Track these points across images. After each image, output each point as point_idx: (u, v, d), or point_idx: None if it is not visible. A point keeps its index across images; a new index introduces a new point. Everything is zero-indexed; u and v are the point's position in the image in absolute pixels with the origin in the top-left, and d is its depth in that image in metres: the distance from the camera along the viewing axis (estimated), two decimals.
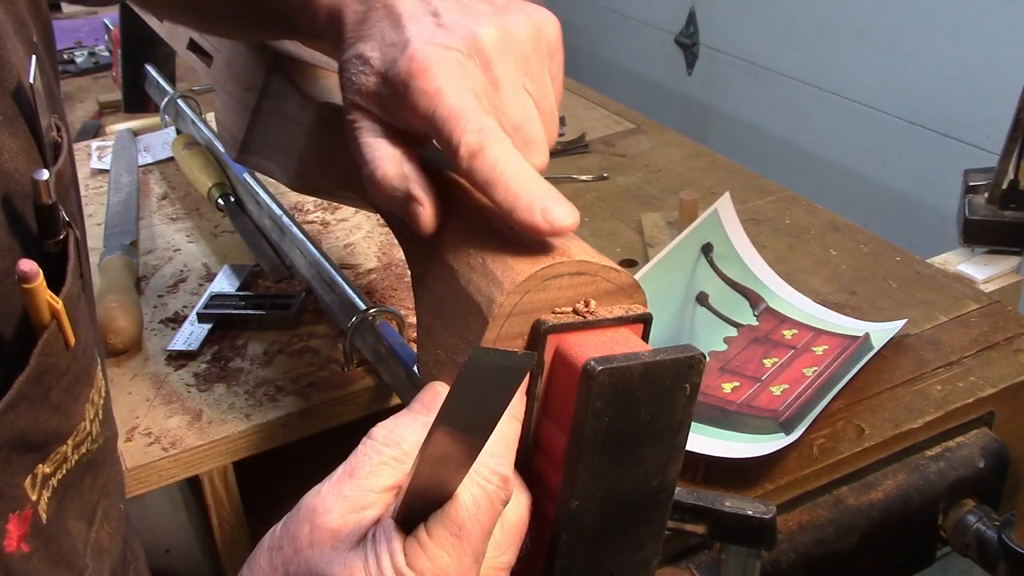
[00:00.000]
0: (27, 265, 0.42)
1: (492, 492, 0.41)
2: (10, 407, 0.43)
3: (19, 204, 0.43)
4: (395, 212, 0.55)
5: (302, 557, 0.42)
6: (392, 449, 0.43)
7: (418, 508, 0.40)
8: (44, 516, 0.45)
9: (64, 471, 0.47)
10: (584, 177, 1.23)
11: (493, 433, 0.37)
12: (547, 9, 0.57)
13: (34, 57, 0.43)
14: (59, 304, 0.44)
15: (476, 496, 0.41)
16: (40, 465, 0.45)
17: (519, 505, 0.45)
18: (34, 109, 0.44)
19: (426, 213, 0.53)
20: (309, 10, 0.58)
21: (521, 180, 0.49)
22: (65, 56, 1.72)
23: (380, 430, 0.44)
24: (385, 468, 0.42)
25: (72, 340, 0.45)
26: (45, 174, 0.42)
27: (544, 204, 0.47)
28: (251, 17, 0.66)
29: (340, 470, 0.43)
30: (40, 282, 0.42)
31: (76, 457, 0.48)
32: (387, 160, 0.54)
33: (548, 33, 0.54)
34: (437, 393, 0.46)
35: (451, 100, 0.52)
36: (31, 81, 0.43)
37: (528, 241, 0.48)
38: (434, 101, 0.51)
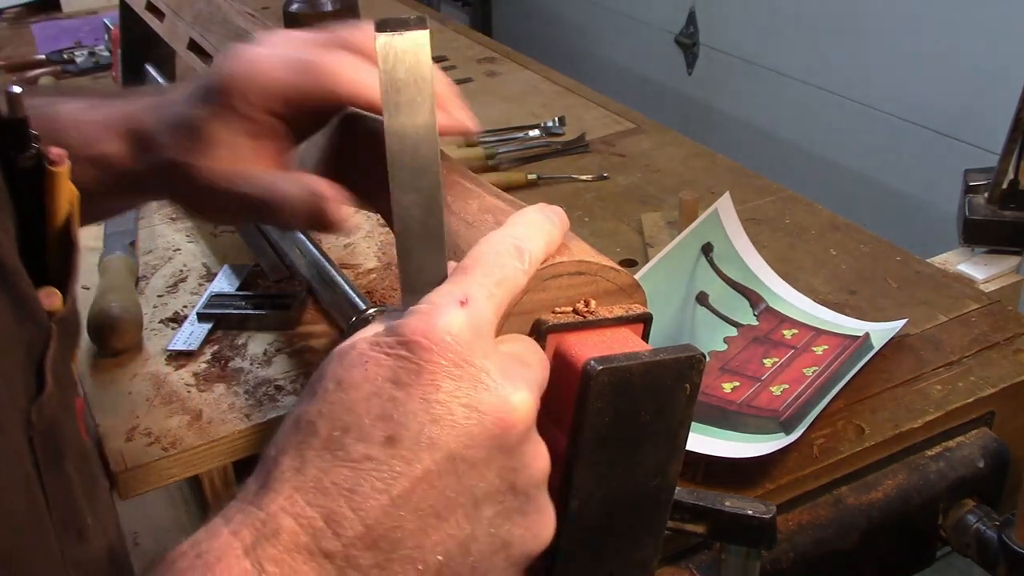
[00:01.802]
0: (58, 150, 0.43)
1: (499, 238, 0.41)
2: (72, 288, 0.44)
3: None
4: (309, 226, 0.58)
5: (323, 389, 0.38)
6: None
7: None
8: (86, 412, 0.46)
9: (71, 373, 0.48)
10: (584, 177, 1.23)
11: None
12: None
13: None
14: (76, 192, 0.45)
15: (483, 245, 0.41)
16: (72, 361, 0.46)
17: (520, 342, 0.42)
18: None
19: (332, 207, 0.55)
20: (115, 143, 0.60)
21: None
22: (65, 56, 1.72)
23: None
24: None
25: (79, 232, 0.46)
26: (19, 88, 0.43)
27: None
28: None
29: None
30: (68, 166, 0.43)
31: (77, 361, 0.48)
32: (282, 180, 0.57)
33: None
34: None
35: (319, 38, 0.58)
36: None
37: None
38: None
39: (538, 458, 0.39)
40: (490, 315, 0.38)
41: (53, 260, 0.45)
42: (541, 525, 0.39)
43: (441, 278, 0.39)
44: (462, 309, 0.37)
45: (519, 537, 0.38)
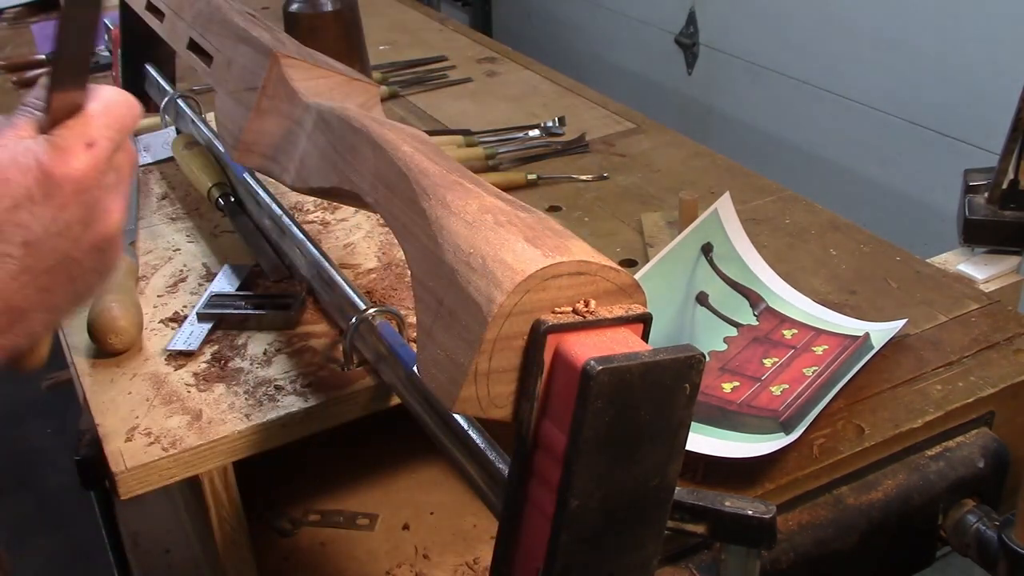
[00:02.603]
0: None
1: (117, 96, 0.53)
2: None
3: None
4: None
5: None
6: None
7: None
8: None
9: None
10: (584, 177, 1.23)
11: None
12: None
13: None
14: None
15: (108, 98, 0.53)
16: None
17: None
18: None
19: None
20: None
21: None
22: None
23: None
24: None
25: None
26: None
27: None
28: None
29: None
30: None
31: None
32: None
33: None
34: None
35: None
36: None
37: (528, 242, 0.48)
38: None
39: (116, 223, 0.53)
40: (107, 153, 0.51)
41: None
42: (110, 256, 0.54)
43: (80, 87, 0.51)
44: (88, 152, 0.50)
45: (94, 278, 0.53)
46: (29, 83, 1.64)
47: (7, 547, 2.07)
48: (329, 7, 1.30)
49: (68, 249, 0.51)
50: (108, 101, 0.54)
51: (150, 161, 1.25)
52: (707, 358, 0.84)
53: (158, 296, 0.96)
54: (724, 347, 0.86)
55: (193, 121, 1.16)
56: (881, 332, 0.87)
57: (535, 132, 1.36)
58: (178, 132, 1.22)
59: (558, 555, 0.45)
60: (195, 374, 0.83)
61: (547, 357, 0.46)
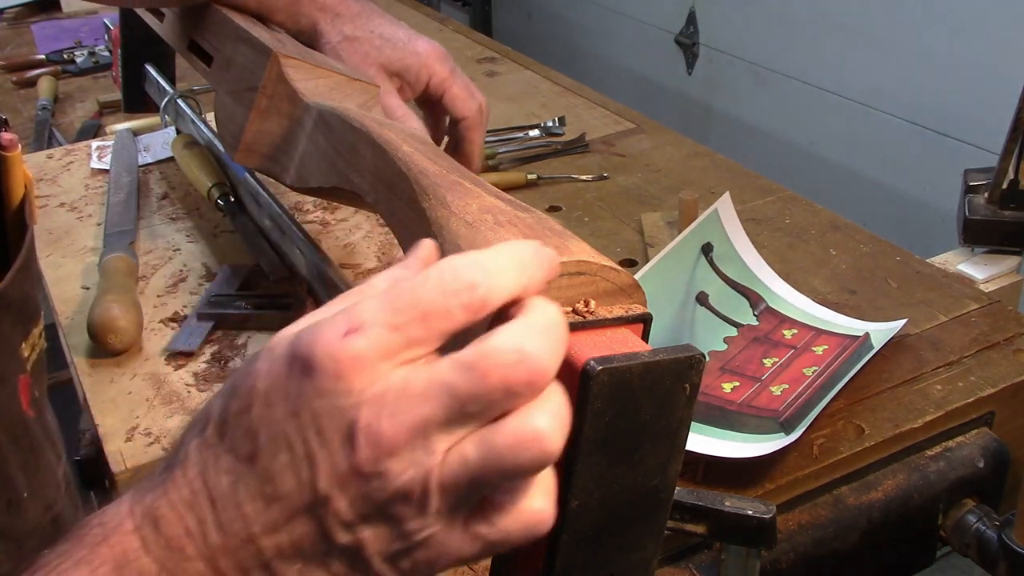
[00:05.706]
0: (9, 135, 0.45)
1: (459, 265, 0.36)
2: (23, 267, 0.45)
3: None
4: None
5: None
6: (363, 287, 0.40)
7: None
8: (34, 389, 0.48)
9: (34, 357, 0.49)
10: (584, 177, 1.23)
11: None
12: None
13: None
14: (30, 176, 0.47)
15: (434, 269, 0.36)
16: (24, 342, 0.47)
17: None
18: None
19: None
20: None
21: None
22: (65, 56, 1.72)
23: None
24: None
25: (37, 218, 0.48)
26: None
27: None
28: None
29: None
30: (19, 151, 0.46)
31: (40, 348, 0.50)
32: None
33: None
34: (427, 249, 0.41)
35: None
36: None
37: None
38: None
39: (401, 478, 0.36)
40: (380, 349, 0.35)
41: (13, 241, 0.48)
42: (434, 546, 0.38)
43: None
44: (345, 340, 0.35)
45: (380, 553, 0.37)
46: (29, 83, 1.64)
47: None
48: None
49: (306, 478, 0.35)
50: (398, 273, 0.39)
51: (150, 161, 1.25)
52: (707, 358, 0.84)
53: (158, 296, 0.96)
54: (724, 347, 0.86)
55: (193, 121, 1.16)
56: (881, 332, 0.87)
57: (535, 132, 1.36)
58: (178, 132, 1.22)
59: (558, 555, 0.45)
60: (195, 374, 0.83)
61: None
